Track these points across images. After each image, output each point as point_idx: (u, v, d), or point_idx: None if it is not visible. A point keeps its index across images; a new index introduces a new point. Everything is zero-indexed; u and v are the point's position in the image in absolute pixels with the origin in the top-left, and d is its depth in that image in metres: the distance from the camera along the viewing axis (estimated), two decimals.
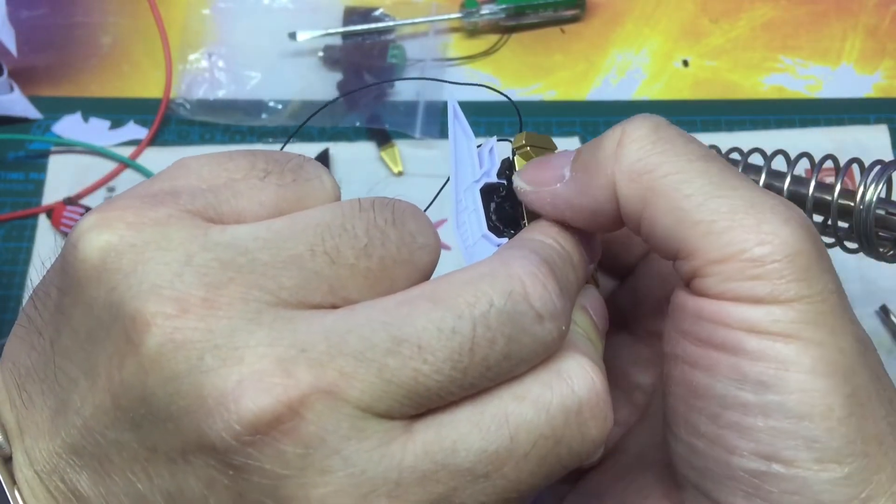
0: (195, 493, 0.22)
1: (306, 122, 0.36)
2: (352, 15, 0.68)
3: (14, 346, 0.25)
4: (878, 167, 0.41)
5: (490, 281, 0.22)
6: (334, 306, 0.22)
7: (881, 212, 0.41)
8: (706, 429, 0.25)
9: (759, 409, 0.24)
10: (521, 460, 0.22)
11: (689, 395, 0.26)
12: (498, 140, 0.31)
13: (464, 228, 0.30)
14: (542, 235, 0.27)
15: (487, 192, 0.30)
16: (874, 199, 0.40)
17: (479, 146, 0.30)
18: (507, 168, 0.30)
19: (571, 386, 0.23)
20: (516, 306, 0.22)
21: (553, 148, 0.31)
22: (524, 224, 0.29)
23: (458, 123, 0.30)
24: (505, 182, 0.30)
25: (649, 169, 0.26)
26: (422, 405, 0.22)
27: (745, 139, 0.62)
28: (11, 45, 0.62)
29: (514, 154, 0.30)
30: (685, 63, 0.67)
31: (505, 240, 0.29)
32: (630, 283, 0.34)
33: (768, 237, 0.24)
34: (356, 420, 0.21)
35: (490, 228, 0.29)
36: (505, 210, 0.30)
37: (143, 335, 0.21)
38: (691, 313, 0.26)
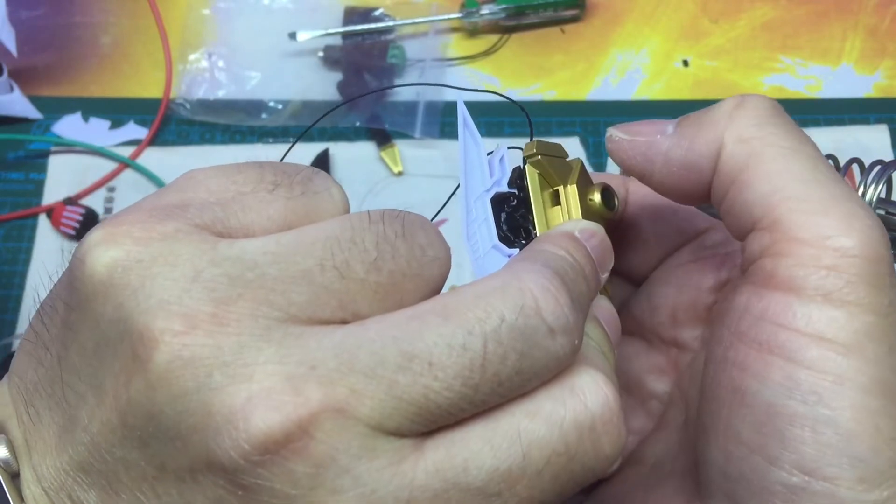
0: None
1: (315, 124, 0.36)
2: (352, 15, 0.68)
3: (21, 361, 0.25)
4: (878, 167, 0.41)
5: (501, 295, 0.22)
6: (344, 321, 0.22)
7: (881, 212, 0.41)
8: (748, 436, 0.25)
9: (808, 421, 0.24)
10: (533, 478, 0.22)
11: (735, 400, 0.25)
12: (508, 148, 0.30)
13: (474, 239, 0.29)
14: (553, 247, 0.26)
15: (498, 202, 0.29)
16: (874, 199, 0.40)
17: (489, 153, 0.30)
18: (517, 177, 0.30)
19: (584, 402, 0.22)
20: (528, 321, 0.22)
21: (564, 155, 0.31)
22: (535, 234, 0.29)
23: (467, 131, 0.29)
24: (516, 191, 0.29)
25: (761, 136, 0.26)
26: (433, 422, 0.21)
27: None
28: (11, 45, 0.62)
29: (524, 163, 0.30)
30: (685, 63, 0.67)
31: (516, 250, 0.29)
32: (645, 290, 0.33)
33: (855, 232, 0.24)
34: (366, 438, 0.21)
35: (501, 239, 0.29)
36: (516, 220, 0.29)
37: (150, 352, 0.21)
38: (755, 313, 0.25)
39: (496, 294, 0.22)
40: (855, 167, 0.43)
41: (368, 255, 0.22)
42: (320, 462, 0.20)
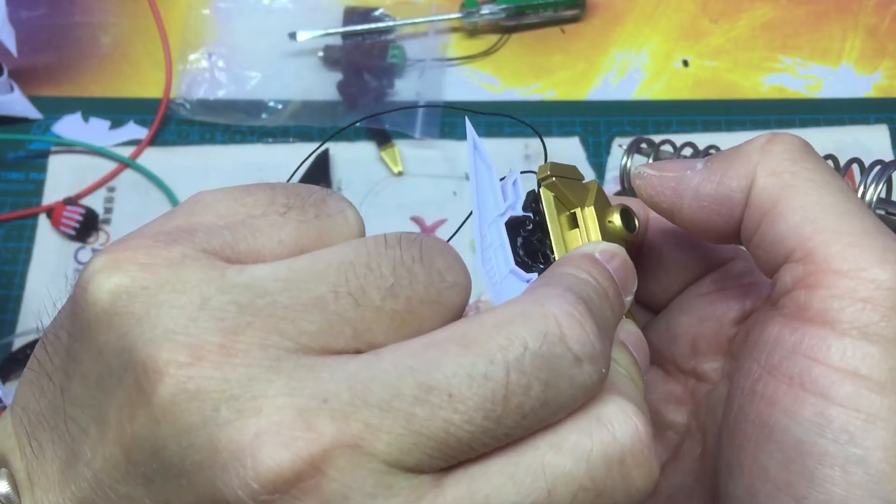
0: None
1: (348, 126, 0.35)
2: (352, 15, 0.68)
3: (24, 391, 0.24)
4: (878, 167, 0.41)
5: (523, 322, 0.21)
6: (358, 351, 0.21)
7: (881, 212, 0.41)
8: (775, 473, 0.24)
9: (838, 460, 0.23)
10: None
11: (763, 435, 0.25)
12: (521, 173, 0.29)
13: (490, 265, 0.28)
14: (575, 269, 0.25)
15: (513, 227, 0.28)
16: (874, 199, 0.40)
17: (501, 179, 0.29)
18: (532, 201, 0.29)
19: (613, 433, 0.21)
20: (552, 349, 0.20)
21: (580, 177, 0.30)
22: (553, 258, 0.28)
23: (478, 155, 0.28)
24: (531, 215, 0.29)
25: (794, 170, 0.26)
26: (452, 458, 0.20)
27: (745, 139, 0.62)
28: (11, 45, 0.62)
29: (539, 186, 0.29)
30: (685, 63, 0.67)
31: (534, 275, 0.28)
32: (664, 317, 0.33)
33: (889, 265, 0.24)
34: (382, 476, 0.19)
35: (518, 264, 0.28)
36: (533, 244, 0.28)
37: (155, 385, 0.20)
38: (787, 346, 0.25)
39: (518, 321, 0.21)
40: (855, 167, 0.43)
41: (385, 280, 0.21)
42: (333, 502, 0.19)
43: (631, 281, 0.27)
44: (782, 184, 0.26)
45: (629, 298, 0.27)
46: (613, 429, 0.21)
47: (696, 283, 0.32)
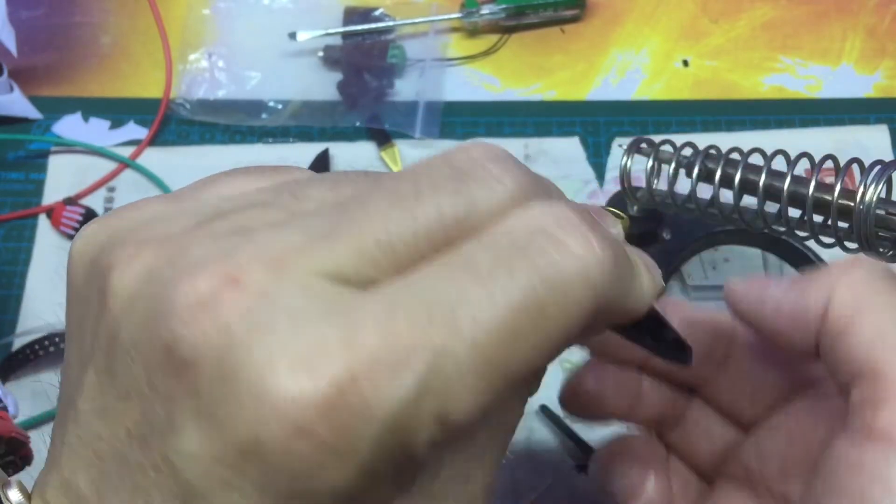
0: (161, 419, 0.20)
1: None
2: (352, 15, 0.68)
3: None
4: (878, 167, 0.41)
5: (433, 156, 0.22)
6: None
7: (881, 212, 0.40)
8: None
9: None
10: (488, 282, 0.20)
11: None
12: None
13: None
14: None
15: None
16: (874, 199, 0.40)
17: None
18: None
19: (532, 215, 0.21)
20: (460, 161, 0.22)
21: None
22: None
23: None
24: None
25: (871, 290, 0.27)
26: (378, 264, 0.20)
27: (745, 139, 0.62)
28: (11, 45, 0.62)
29: None
30: (685, 63, 0.67)
31: None
32: (754, 437, 0.33)
33: None
34: (304, 281, 0.20)
35: None
36: None
37: (108, 279, 0.21)
38: (851, 462, 0.25)
39: (429, 158, 0.22)
40: (855, 167, 0.43)
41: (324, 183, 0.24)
42: (252, 307, 0.19)
43: (602, 213, 0.26)
44: (858, 302, 0.27)
45: (609, 228, 0.26)
46: (533, 213, 0.21)
47: (787, 403, 0.32)
